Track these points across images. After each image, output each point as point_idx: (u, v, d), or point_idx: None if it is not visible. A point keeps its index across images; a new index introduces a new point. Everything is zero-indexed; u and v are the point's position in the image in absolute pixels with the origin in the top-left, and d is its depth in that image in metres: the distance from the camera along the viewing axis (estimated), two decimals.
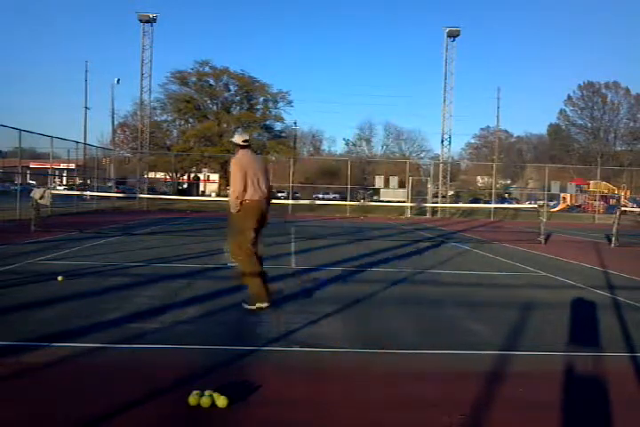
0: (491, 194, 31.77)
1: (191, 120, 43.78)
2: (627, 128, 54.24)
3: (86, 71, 40.99)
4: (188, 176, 46.68)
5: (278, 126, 45.15)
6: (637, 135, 52.96)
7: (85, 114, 40.93)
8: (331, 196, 43.53)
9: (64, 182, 33.06)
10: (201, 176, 49.23)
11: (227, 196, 5.10)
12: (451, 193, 34.65)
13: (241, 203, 4.97)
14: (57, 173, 27.08)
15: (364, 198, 34.82)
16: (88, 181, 27.80)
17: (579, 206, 35.75)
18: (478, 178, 49.02)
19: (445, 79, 29.50)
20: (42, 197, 12.32)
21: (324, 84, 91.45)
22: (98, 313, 4.65)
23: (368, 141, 61.04)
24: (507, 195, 44.51)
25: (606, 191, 36.04)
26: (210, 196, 42.05)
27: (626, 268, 8.84)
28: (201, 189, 48.29)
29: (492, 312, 5.33)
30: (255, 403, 2.86)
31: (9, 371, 3.19)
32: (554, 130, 58.60)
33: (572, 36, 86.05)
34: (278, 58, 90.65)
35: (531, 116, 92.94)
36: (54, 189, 18.58)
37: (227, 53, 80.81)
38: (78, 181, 28.55)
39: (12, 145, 17.49)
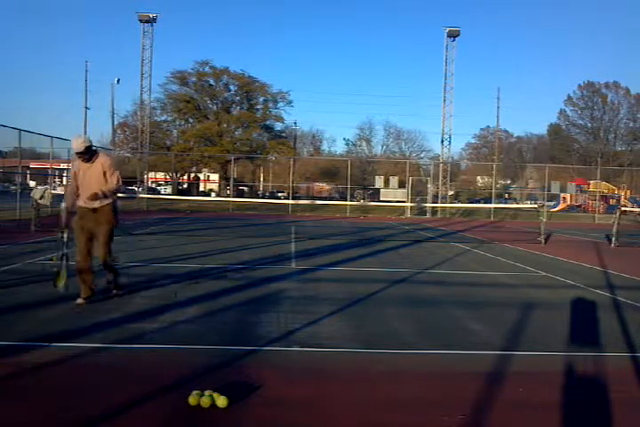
0: (491, 194, 31.77)
1: (191, 120, 43.78)
2: (627, 128, 54.22)
3: (86, 71, 40.86)
4: (188, 176, 46.67)
5: (278, 126, 45.20)
6: (637, 135, 52.95)
7: (85, 114, 40.82)
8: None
9: (64, 182, 33.06)
10: (201, 176, 49.23)
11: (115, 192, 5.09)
12: (451, 193, 34.65)
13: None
14: (57, 173, 27.07)
15: (363, 198, 34.82)
16: None
17: (579, 206, 35.74)
18: (478, 178, 49.02)
19: (445, 79, 29.52)
20: (42, 197, 12.31)
21: (324, 84, 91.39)
22: (98, 313, 4.65)
23: (368, 141, 60.99)
24: (507, 195, 44.49)
25: (606, 191, 36.02)
26: (210, 196, 42.06)
27: (626, 268, 8.84)
28: (201, 188, 48.30)
29: (492, 312, 5.33)
30: (255, 403, 2.86)
31: (9, 371, 3.19)
32: (554, 130, 58.56)
33: (571, 36, 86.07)
34: (278, 58, 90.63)
35: (531, 116, 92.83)
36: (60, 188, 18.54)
37: (227, 53, 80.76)
38: None
39: (11, 145, 17.49)
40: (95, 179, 4.94)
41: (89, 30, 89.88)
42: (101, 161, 4.99)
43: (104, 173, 4.96)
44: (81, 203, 4.98)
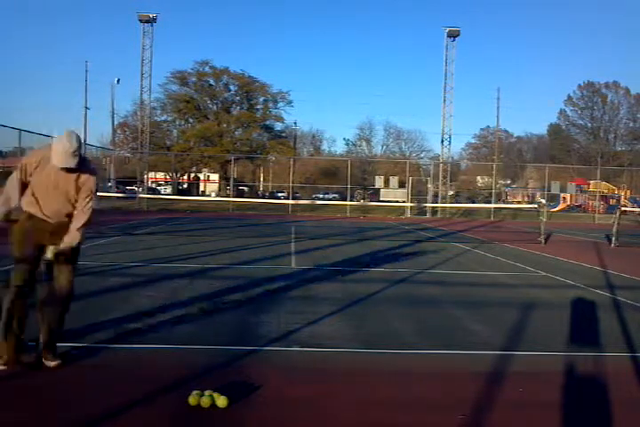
0: (491, 194, 31.78)
1: (191, 120, 43.76)
2: (627, 128, 54.19)
3: (86, 71, 40.87)
4: (188, 176, 46.66)
5: (278, 126, 45.15)
6: (637, 135, 52.92)
7: (85, 114, 40.82)
8: (330, 196, 43.52)
9: None
10: (201, 176, 49.22)
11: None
12: (451, 193, 34.64)
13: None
14: None
15: (364, 198, 34.81)
16: None
17: (579, 206, 35.74)
18: (478, 178, 49.00)
19: (445, 79, 29.50)
20: None
21: (324, 84, 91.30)
22: (98, 313, 4.64)
23: (368, 141, 60.94)
24: (507, 195, 44.46)
25: (606, 191, 36.02)
26: (210, 196, 42.05)
27: (626, 268, 8.84)
28: (201, 188, 48.28)
29: (492, 312, 5.33)
30: (255, 403, 2.86)
31: (9, 371, 3.18)
32: (554, 130, 58.54)
33: (571, 37, 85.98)
34: (278, 58, 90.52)
35: (531, 116, 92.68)
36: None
37: (227, 53, 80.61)
38: None
39: (11, 145, 17.52)
40: (66, 194, 3.41)
41: (89, 30, 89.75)
42: (84, 178, 3.43)
43: (78, 190, 3.43)
44: (38, 213, 3.39)
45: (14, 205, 3.40)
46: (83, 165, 3.39)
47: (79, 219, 3.49)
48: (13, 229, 3.38)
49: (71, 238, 3.39)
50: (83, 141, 3.34)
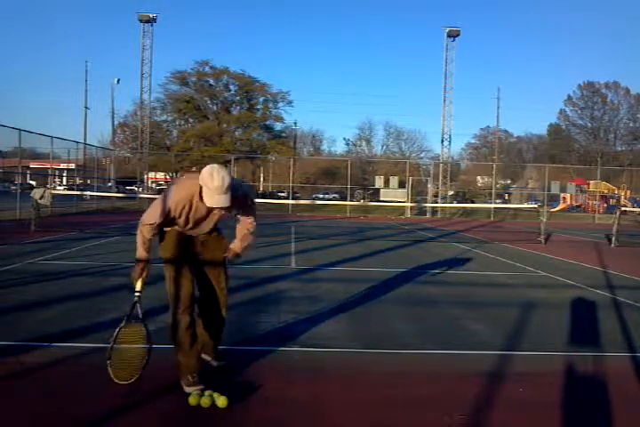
0: (490, 194, 31.77)
1: (191, 120, 43.74)
2: (627, 128, 54.21)
3: (86, 71, 40.90)
4: None
5: (278, 126, 45.05)
6: (637, 135, 52.93)
7: (85, 114, 40.83)
8: (331, 196, 43.49)
9: (64, 182, 33.09)
10: None
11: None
12: (451, 193, 34.64)
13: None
14: (57, 173, 27.09)
15: (363, 198, 34.80)
16: (88, 181, 27.84)
17: (579, 206, 35.71)
18: (478, 178, 49.01)
19: (445, 79, 29.57)
20: (42, 197, 12.32)
21: (324, 84, 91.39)
22: (98, 313, 4.64)
23: (368, 141, 60.97)
24: (507, 195, 44.46)
25: (606, 191, 35.99)
26: None
27: (626, 268, 8.84)
28: None
29: (492, 312, 5.33)
30: (255, 403, 2.86)
31: (9, 371, 3.18)
32: (554, 130, 58.56)
33: (572, 36, 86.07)
34: (278, 58, 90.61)
35: (531, 116, 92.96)
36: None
37: (227, 53, 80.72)
38: (78, 181, 28.56)
39: (11, 145, 17.53)
40: (217, 218, 3.28)
41: (89, 30, 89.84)
42: (239, 202, 3.18)
43: (230, 210, 3.18)
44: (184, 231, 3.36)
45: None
46: (235, 191, 2.99)
47: (245, 239, 3.51)
48: (164, 242, 3.50)
49: (238, 249, 3.55)
50: (228, 172, 3.02)
